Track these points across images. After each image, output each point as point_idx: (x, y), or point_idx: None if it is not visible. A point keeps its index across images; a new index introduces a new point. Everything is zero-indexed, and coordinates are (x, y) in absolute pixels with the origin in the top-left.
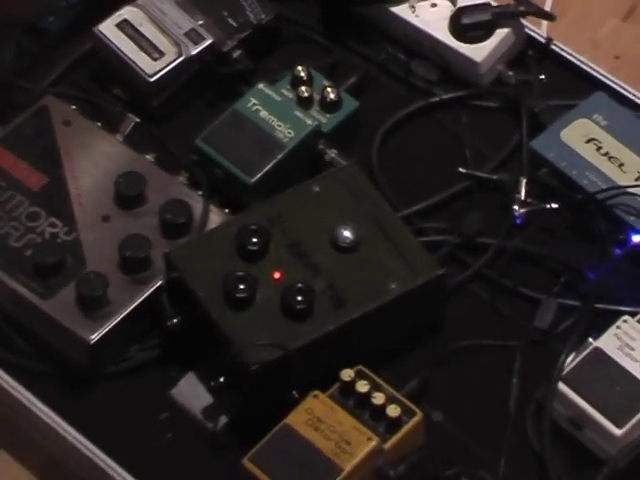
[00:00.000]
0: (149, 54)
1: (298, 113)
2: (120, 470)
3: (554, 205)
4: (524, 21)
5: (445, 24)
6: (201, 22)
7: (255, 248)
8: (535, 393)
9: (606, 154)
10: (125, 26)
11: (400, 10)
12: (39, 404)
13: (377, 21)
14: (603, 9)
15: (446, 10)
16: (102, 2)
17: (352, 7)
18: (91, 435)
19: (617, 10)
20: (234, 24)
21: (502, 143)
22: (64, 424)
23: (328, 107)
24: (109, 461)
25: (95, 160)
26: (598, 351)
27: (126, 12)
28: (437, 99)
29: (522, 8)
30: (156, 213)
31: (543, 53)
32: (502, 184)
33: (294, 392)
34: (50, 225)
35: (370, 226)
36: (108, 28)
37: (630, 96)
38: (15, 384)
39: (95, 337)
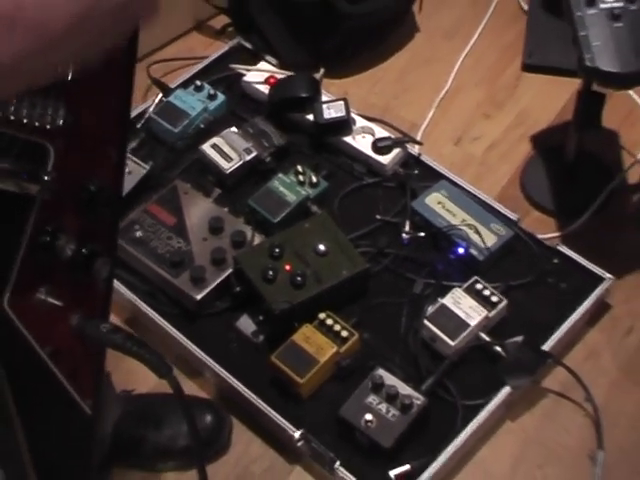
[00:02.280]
0: (225, 159)
1: (297, 188)
2: (210, 361)
3: (422, 234)
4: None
5: (369, 146)
6: (251, 144)
7: (277, 254)
8: (415, 324)
9: (446, 209)
10: (214, 146)
11: (349, 140)
12: (171, 327)
13: (338, 143)
14: (444, 137)
15: (370, 139)
16: (208, 132)
17: (324, 140)
18: (195, 342)
19: (452, 136)
20: (266, 144)
21: (398, 203)
22: (183, 337)
23: (312, 185)
24: (205, 356)
25: (199, 211)
26: (443, 305)
27: (215, 139)
28: (365, 182)
29: (403, 139)
30: (228, 236)
31: (416, 160)
32: (397, 224)
33: (295, 324)
34: (177, 242)
35: (333, 243)
36: (207, 146)
37: (460, 183)
38: (159, 317)
39: (199, 297)
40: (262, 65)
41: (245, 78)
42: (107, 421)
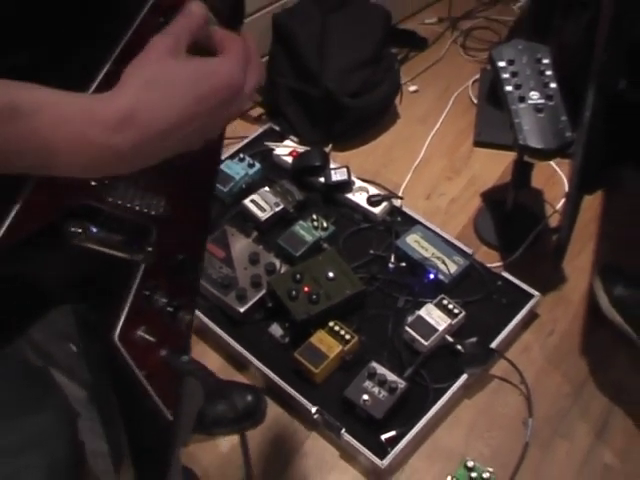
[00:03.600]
0: (261, 210)
1: (313, 231)
2: (251, 356)
3: (403, 264)
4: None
5: (365, 200)
6: (279, 199)
7: (298, 279)
8: (399, 330)
9: (421, 246)
10: (253, 201)
11: (350, 196)
12: (223, 332)
13: (342, 198)
14: (419, 193)
15: (365, 195)
16: (248, 191)
17: (332, 196)
18: (240, 343)
19: (425, 193)
20: (290, 200)
21: (386, 242)
22: (231, 339)
23: (324, 229)
24: (247, 353)
25: (241, 247)
26: (419, 316)
27: (254, 196)
28: (362, 226)
29: (389, 195)
30: (263, 266)
31: (398, 210)
32: (385, 257)
33: (312, 329)
34: (226, 270)
35: (339, 271)
36: (248, 201)
37: (430, 226)
38: (214, 325)
39: (242, 310)
40: (287, 142)
41: (275, 152)
42: (193, 413)
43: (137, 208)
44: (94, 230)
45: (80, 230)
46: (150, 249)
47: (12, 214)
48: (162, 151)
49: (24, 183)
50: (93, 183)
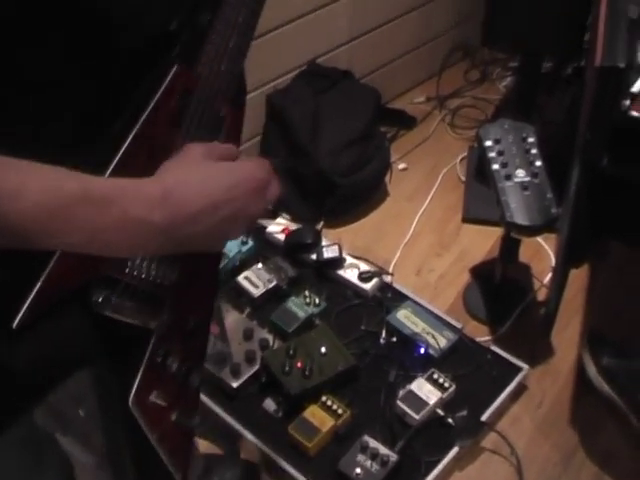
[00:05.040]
0: (254, 287)
1: (305, 307)
2: (245, 430)
3: (394, 339)
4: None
5: (356, 276)
6: (272, 276)
7: (292, 354)
8: (390, 403)
9: (411, 321)
10: (246, 278)
11: (341, 272)
12: (216, 406)
13: (334, 275)
14: (408, 270)
15: (356, 272)
16: (241, 268)
17: (324, 272)
18: (233, 417)
19: (414, 269)
20: (283, 276)
21: (377, 317)
22: (225, 414)
23: (316, 305)
24: (240, 427)
25: (235, 323)
26: (410, 390)
27: (247, 273)
28: (353, 303)
29: (380, 271)
30: (257, 342)
31: (389, 286)
32: (376, 332)
33: (305, 404)
34: (220, 346)
35: (331, 346)
36: (241, 278)
37: (420, 302)
38: (208, 399)
39: (236, 385)
40: (280, 220)
41: (268, 229)
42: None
43: (151, 278)
44: (114, 300)
45: (102, 299)
46: (164, 317)
47: (38, 284)
48: (193, 237)
49: (50, 255)
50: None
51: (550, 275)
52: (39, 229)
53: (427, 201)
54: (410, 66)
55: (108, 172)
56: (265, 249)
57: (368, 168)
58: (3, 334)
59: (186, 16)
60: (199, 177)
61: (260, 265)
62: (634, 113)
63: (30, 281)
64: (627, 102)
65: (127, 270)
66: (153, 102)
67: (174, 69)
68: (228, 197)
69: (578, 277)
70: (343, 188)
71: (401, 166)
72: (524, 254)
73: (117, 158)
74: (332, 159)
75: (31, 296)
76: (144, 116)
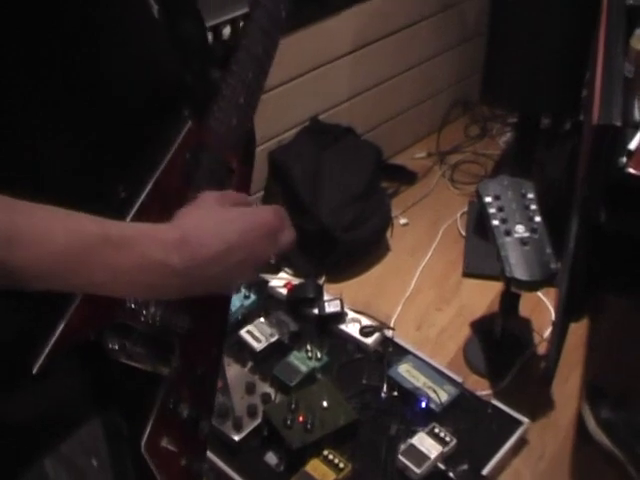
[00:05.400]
0: (256, 340)
1: (307, 361)
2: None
3: (395, 393)
4: None
5: (358, 331)
6: (274, 330)
7: (293, 408)
8: (391, 458)
9: (412, 375)
10: (248, 332)
11: (343, 327)
12: (218, 460)
13: (336, 329)
14: (409, 324)
15: (358, 326)
16: (244, 322)
17: (326, 327)
18: (236, 471)
19: (415, 324)
20: (285, 331)
21: (378, 371)
22: (227, 467)
23: (318, 359)
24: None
25: (238, 377)
26: (411, 444)
27: (249, 327)
28: (355, 357)
29: (381, 326)
30: (259, 395)
31: (390, 341)
32: (377, 386)
33: (306, 457)
34: (222, 399)
35: (332, 400)
36: (244, 332)
37: (421, 356)
38: (210, 453)
39: (238, 438)
40: (282, 274)
41: (270, 284)
42: None
43: (164, 326)
44: (129, 346)
45: (117, 346)
46: (175, 364)
47: (59, 330)
48: (208, 279)
49: (67, 301)
50: (134, 306)
51: (550, 329)
52: (62, 271)
53: (428, 256)
54: (411, 122)
55: (128, 219)
56: (268, 303)
57: (369, 224)
58: (19, 381)
59: (198, 73)
60: (214, 222)
61: (262, 319)
62: (631, 170)
63: (47, 327)
64: (624, 159)
65: (142, 318)
66: (168, 157)
67: (187, 125)
68: (241, 241)
69: (578, 331)
70: (345, 243)
71: (402, 221)
72: (524, 308)
73: (135, 209)
74: (334, 215)
75: (52, 341)
76: (159, 170)
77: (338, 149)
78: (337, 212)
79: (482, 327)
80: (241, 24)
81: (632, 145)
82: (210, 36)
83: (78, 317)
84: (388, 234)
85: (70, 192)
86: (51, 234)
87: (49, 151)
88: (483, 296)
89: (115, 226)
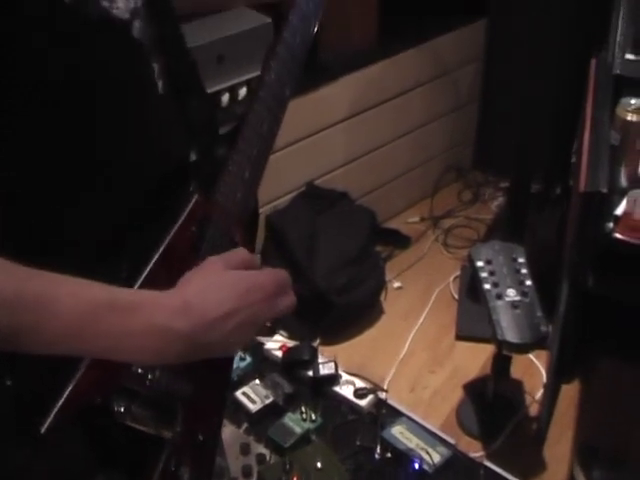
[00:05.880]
0: (251, 402)
1: (302, 423)
2: None
3: (389, 454)
4: None
5: (352, 393)
6: (270, 392)
7: (288, 469)
8: None
9: (406, 437)
10: (244, 393)
11: (337, 389)
12: None
13: (330, 391)
14: (403, 387)
15: (352, 388)
16: (239, 383)
17: (320, 389)
18: None
19: (409, 386)
20: (280, 392)
21: (372, 433)
22: None
23: (312, 421)
24: None
25: (232, 438)
26: None
27: (245, 388)
28: (349, 419)
29: (375, 388)
30: (254, 456)
31: (384, 403)
32: (371, 448)
33: None
34: (217, 459)
35: (327, 462)
36: (239, 393)
37: (414, 418)
38: None
39: None
40: (277, 337)
41: (265, 346)
42: None
43: (168, 390)
44: (134, 409)
45: (123, 409)
46: (178, 428)
47: (67, 392)
48: (210, 343)
49: (79, 363)
50: (140, 371)
51: (542, 391)
52: (68, 335)
53: (421, 319)
54: (405, 187)
55: (135, 287)
56: (263, 365)
57: (364, 287)
58: (26, 440)
59: (205, 149)
60: (216, 287)
61: (258, 381)
62: (618, 235)
63: (56, 388)
64: (611, 224)
65: (147, 382)
66: (175, 228)
67: (195, 198)
68: (241, 305)
69: (569, 392)
70: (339, 306)
71: (396, 285)
72: (516, 370)
73: (142, 277)
74: (329, 278)
75: (60, 403)
76: (167, 241)
77: (333, 213)
78: (332, 275)
79: (474, 389)
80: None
81: (618, 211)
82: (227, 97)
83: (86, 380)
84: (382, 297)
85: (74, 269)
86: (57, 299)
87: (52, 228)
88: (476, 358)
89: (121, 293)
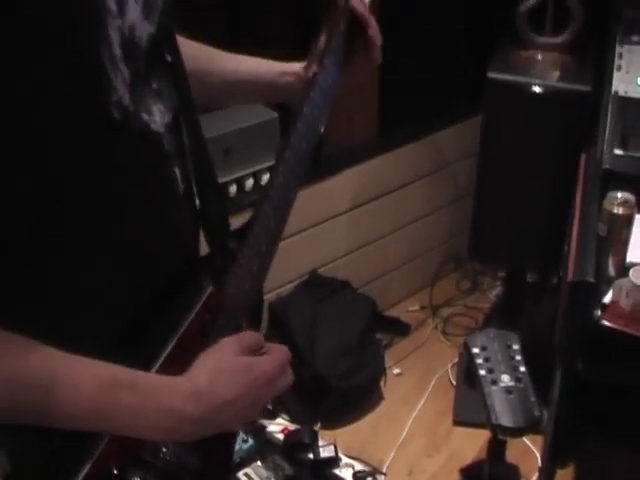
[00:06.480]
0: None
1: None
2: None
3: None
4: None
5: (351, 476)
6: (271, 474)
7: None
8: None
9: None
10: (246, 474)
11: (337, 471)
12: None
13: (330, 474)
14: (402, 470)
15: (351, 471)
16: (241, 465)
17: (321, 471)
18: None
19: (407, 470)
20: (281, 474)
21: None
22: None
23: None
24: None
25: None
26: None
27: (247, 469)
28: None
29: (374, 471)
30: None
31: None
32: None
33: None
34: None
35: None
36: (241, 474)
37: None
38: None
39: None
40: (279, 420)
41: (267, 429)
42: None
43: (179, 463)
44: None
45: None
46: None
47: (88, 467)
48: (218, 424)
49: (99, 437)
50: (155, 443)
51: (537, 475)
52: (92, 413)
53: (420, 405)
54: (405, 276)
55: (153, 370)
56: (265, 448)
57: (364, 373)
58: None
59: (218, 244)
60: (227, 373)
61: (259, 463)
62: (605, 322)
63: (76, 460)
64: (598, 312)
65: (160, 454)
66: (191, 317)
67: (209, 289)
68: (247, 390)
69: (564, 477)
70: (340, 392)
71: (396, 371)
72: (511, 455)
73: (160, 362)
74: (330, 364)
75: (82, 474)
76: (183, 328)
77: (335, 302)
78: (333, 361)
79: (471, 473)
80: (264, 177)
81: (606, 299)
82: (234, 188)
83: (106, 453)
84: (382, 383)
85: (96, 353)
86: (85, 380)
87: (74, 322)
88: (473, 443)
89: (141, 377)
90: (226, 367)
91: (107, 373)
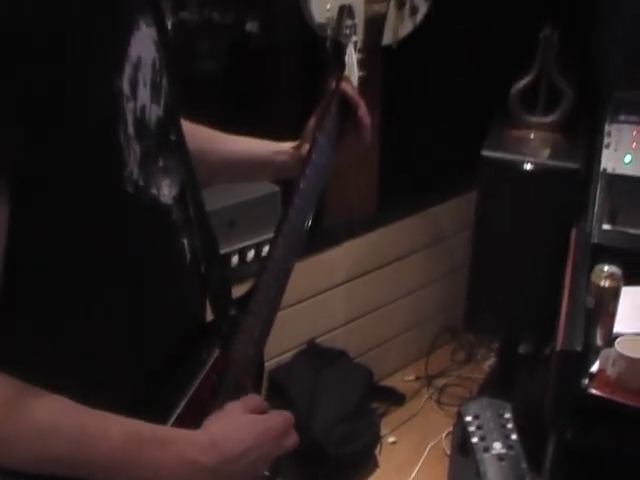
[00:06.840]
0: None
1: None
2: None
3: None
4: None
5: None
6: None
7: None
8: None
9: None
10: None
11: None
12: None
13: None
14: None
15: None
16: None
17: None
18: None
19: None
20: None
21: None
22: None
23: None
24: None
25: None
26: None
27: None
28: None
29: None
30: None
31: None
32: None
33: None
34: None
35: None
36: None
37: None
38: None
39: None
40: None
41: None
42: None
43: None
44: None
45: None
46: None
47: None
48: (230, 474)
49: None
50: None
51: None
52: (116, 465)
53: (414, 473)
54: (401, 347)
55: (169, 424)
56: None
57: (360, 441)
58: None
59: (222, 311)
60: (237, 428)
61: None
62: (593, 391)
63: None
64: (586, 381)
65: None
66: (201, 378)
67: (216, 353)
68: (256, 443)
69: None
70: (336, 459)
71: (391, 439)
72: None
73: (173, 418)
74: (326, 432)
75: None
76: (194, 388)
77: (332, 371)
78: (330, 429)
79: None
80: (264, 248)
81: (594, 368)
82: (236, 258)
83: None
84: (377, 451)
85: (115, 410)
86: (111, 435)
87: (97, 385)
88: None
89: (161, 430)
90: (238, 422)
91: (131, 427)
